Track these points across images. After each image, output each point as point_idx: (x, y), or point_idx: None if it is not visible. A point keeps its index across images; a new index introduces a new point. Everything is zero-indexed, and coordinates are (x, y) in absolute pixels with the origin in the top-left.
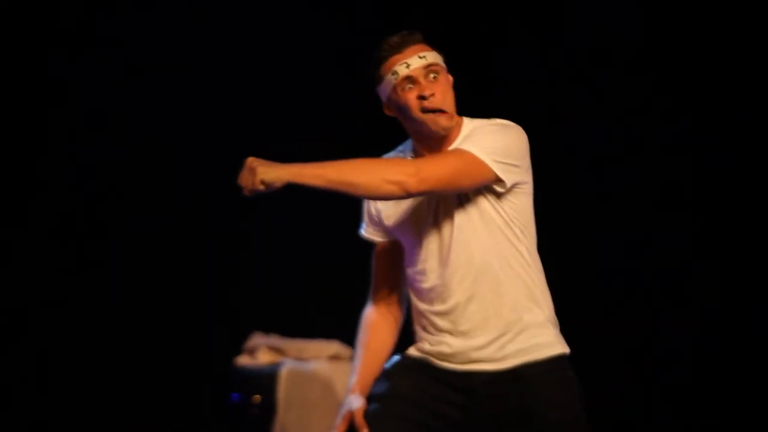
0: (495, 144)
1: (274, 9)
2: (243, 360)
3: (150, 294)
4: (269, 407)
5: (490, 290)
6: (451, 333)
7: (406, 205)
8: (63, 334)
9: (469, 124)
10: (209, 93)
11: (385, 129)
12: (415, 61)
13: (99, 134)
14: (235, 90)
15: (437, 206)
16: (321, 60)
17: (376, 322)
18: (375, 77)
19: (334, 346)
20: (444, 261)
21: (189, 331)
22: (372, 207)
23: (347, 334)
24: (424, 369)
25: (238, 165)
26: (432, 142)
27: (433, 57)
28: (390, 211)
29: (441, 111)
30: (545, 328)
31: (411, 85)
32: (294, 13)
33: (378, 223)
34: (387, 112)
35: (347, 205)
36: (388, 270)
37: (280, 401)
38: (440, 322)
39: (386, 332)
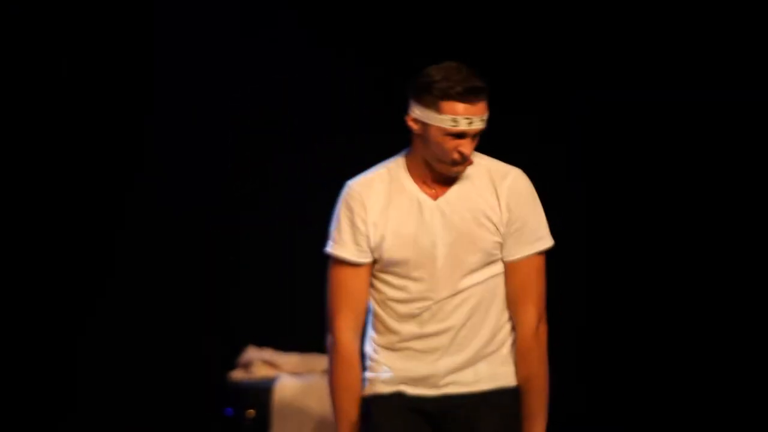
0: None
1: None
2: (237, 374)
3: (145, 307)
4: (263, 422)
5: (480, 318)
6: (432, 357)
7: (412, 229)
8: (55, 345)
9: (478, 161)
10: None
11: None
12: (478, 123)
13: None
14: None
15: (444, 233)
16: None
17: (353, 357)
18: (425, 98)
19: (327, 360)
20: (443, 287)
21: (183, 344)
22: (362, 226)
23: None
24: (402, 404)
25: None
26: (431, 168)
27: (486, 122)
28: (392, 232)
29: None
30: (511, 356)
31: (457, 137)
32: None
33: (368, 244)
34: (411, 123)
35: None
36: (363, 293)
37: (274, 416)
38: (422, 345)
39: (359, 367)
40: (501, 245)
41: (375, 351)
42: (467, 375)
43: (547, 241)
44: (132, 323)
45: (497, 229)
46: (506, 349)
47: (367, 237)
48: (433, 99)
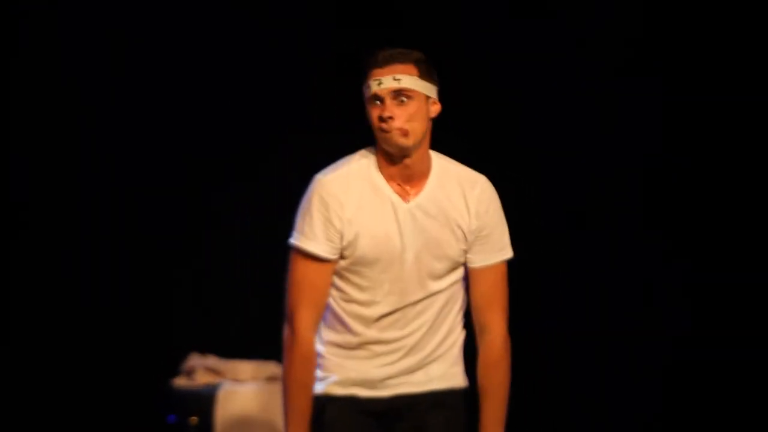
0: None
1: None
2: (180, 381)
3: (86, 311)
4: (206, 429)
5: (439, 323)
6: (388, 359)
7: (385, 230)
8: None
9: (442, 163)
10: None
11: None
12: (388, 82)
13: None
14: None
15: (413, 237)
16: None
17: (312, 354)
18: (362, 79)
19: (270, 367)
20: (409, 291)
21: (125, 351)
22: (337, 223)
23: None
24: (354, 407)
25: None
26: (392, 159)
27: (410, 82)
28: (366, 231)
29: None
30: (462, 357)
31: (378, 102)
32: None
33: (340, 241)
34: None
35: (284, 229)
36: (326, 290)
37: (217, 423)
38: (380, 349)
39: (315, 365)
40: (465, 252)
41: (329, 350)
42: (419, 375)
43: (510, 251)
44: (73, 328)
45: (465, 236)
46: (457, 350)
47: (341, 233)
48: (363, 76)
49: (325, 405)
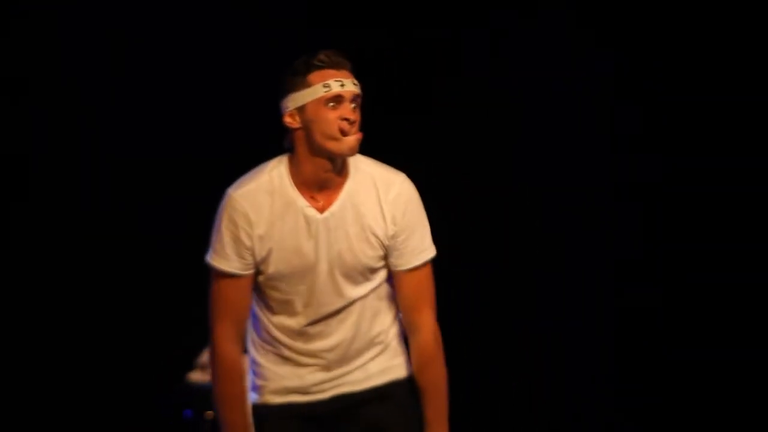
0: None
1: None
2: (195, 376)
3: (102, 307)
4: None
5: (368, 327)
6: (325, 365)
7: (296, 243)
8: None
9: (358, 165)
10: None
11: None
12: (350, 85)
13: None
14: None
15: (327, 248)
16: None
17: (236, 368)
18: (295, 82)
19: None
20: (326, 302)
21: (141, 345)
22: (246, 241)
23: None
24: (293, 414)
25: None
26: (314, 168)
27: (360, 89)
28: (278, 246)
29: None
30: (402, 347)
31: (335, 104)
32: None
33: (252, 257)
34: (288, 120)
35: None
36: (245, 304)
37: None
38: (311, 360)
39: (243, 377)
40: (384, 257)
41: (263, 358)
42: (357, 374)
43: (432, 250)
44: (90, 324)
45: (381, 243)
46: (395, 342)
47: (252, 250)
48: (301, 78)
49: (262, 415)
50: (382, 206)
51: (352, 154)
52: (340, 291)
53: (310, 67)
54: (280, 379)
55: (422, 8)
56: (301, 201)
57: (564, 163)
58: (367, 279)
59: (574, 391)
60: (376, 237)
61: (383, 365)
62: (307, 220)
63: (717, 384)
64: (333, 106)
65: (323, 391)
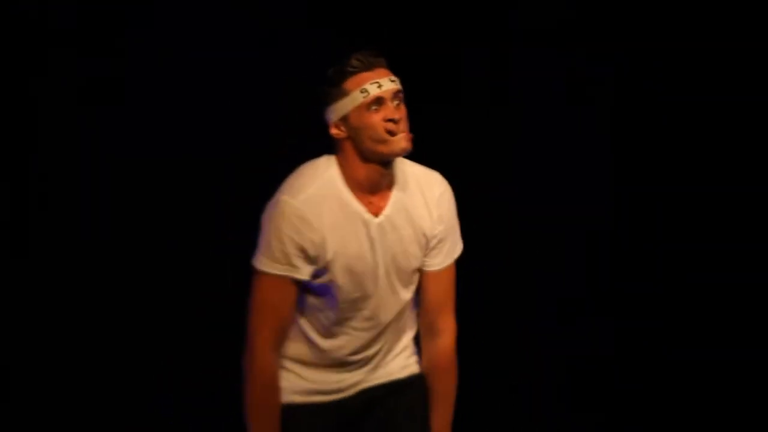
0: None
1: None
2: None
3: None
4: None
5: (402, 326)
6: (351, 368)
7: (358, 248)
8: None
9: (400, 166)
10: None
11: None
12: (387, 84)
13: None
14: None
15: (384, 253)
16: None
17: (274, 380)
18: (333, 93)
19: None
20: (384, 309)
21: (140, 346)
22: (310, 248)
23: None
24: (318, 412)
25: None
26: (368, 170)
27: (399, 83)
28: (341, 252)
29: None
30: (413, 344)
31: (377, 107)
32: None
33: (312, 263)
34: (335, 132)
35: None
36: (291, 314)
37: None
38: (346, 366)
39: (279, 389)
40: (424, 257)
41: (291, 360)
42: (379, 372)
43: (461, 245)
44: (89, 324)
45: (428, 243)
46: (410, 341)
47: (314, 258)
48: (337, 89)
49: (285, 414)
50: (428, 205)
51: (404, 153)
52: (397, 296)
53: (345, 75)
54: (302, 381)
55: (422, 8)
56: (356, 204)
57: (564, 164)
58: (412, 282)
59: (573, 391)
60: (426, 238)
61: (403, 364)
62: (366, 224)
63: (717, 384)
64: (375, 109)
65: (345, 391)
